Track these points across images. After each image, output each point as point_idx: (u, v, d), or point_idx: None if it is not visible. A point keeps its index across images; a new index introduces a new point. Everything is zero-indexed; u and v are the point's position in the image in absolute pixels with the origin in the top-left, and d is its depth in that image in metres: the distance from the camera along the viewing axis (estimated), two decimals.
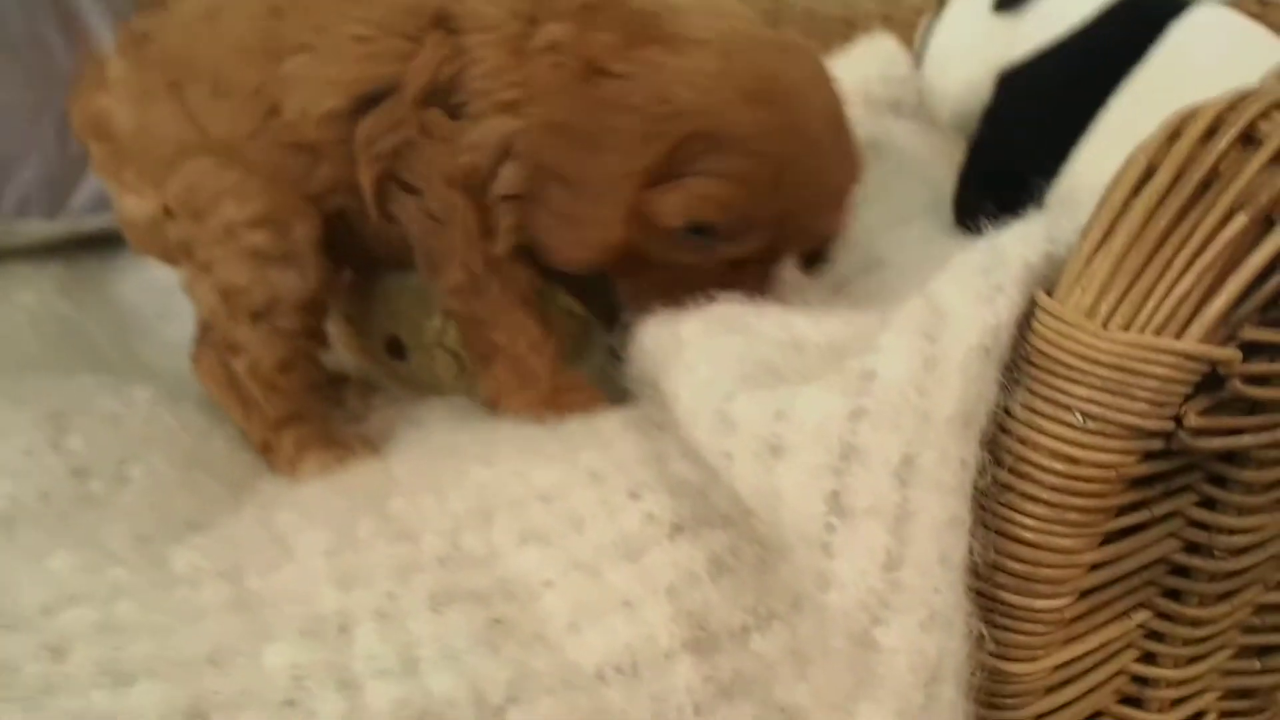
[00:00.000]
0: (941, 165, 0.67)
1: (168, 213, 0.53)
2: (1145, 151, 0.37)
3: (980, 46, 0.61)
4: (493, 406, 0.53)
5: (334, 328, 0.66)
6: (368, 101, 0.51)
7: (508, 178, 0.50)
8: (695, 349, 0.41)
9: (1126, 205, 0.36)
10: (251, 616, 0.38)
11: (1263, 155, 0.34)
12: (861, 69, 0.78)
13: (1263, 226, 0.34)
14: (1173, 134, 0.37)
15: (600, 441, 0.46)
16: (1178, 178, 0.35)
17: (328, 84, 0.51)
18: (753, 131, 0.47)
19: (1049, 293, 0.37)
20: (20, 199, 0.76)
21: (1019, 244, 0.39)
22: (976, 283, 0.37)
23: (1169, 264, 0.34)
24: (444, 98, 0.50)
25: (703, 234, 0.48)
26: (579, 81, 0.48)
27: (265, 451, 0.55)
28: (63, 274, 0.78)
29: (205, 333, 0.56)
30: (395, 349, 0.63)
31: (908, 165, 0.68)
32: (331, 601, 0.39)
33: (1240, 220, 0.34)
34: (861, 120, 0.71)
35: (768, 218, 0.48)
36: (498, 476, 0.45)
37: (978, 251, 0.39)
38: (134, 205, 0.55)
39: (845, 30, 0.92)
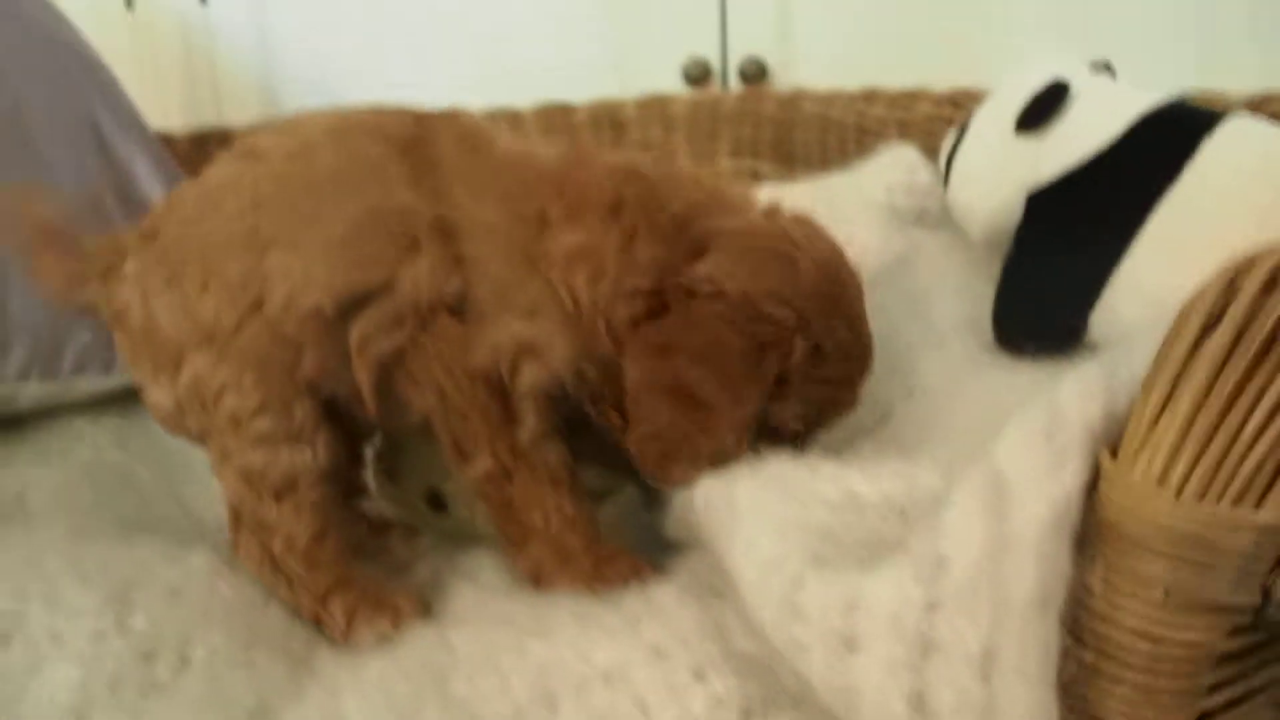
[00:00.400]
0: (976, 279, 0.67)
1: (180, 406, 0.55)
2: (1202, 302, 0.36)
3: (1006, 166, 0.61)
4: (534, 584, 0.53)
5: (373, 479, 0.66)
6: (355, 304, 0.52)
7: (531, 376, 0.51)
8: (754, 520, 0.41)
9: (1188, 363, 0.35)
10: None
11: None
12: (884, 178, 0.79)
13: None
14: (1230, 285, 0.36)
15: (659, 612, 0.45)
16: (1240, 335, 0.35)
17: (310, 283, 0.52)
18: (841, 338, 0.52)
19: (1114, 452, 0.37)
20: (78, 357, 0.77)
21: (1078, 401, 0.38)
22: (1040, 450, 0.36)
23: (1240, 429, 0.33)
24: (450, 302, 0.52)
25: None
26: (677, 303, 0.51)
27: (317, 622, 0.55)
28: (118, 425, 0.79)
29: (237, 517, 0.57)
30: (436, 502, 0.63)
31: (941, 281, 0.68)
32: None
33: None
34: (889, 235, 0.72)
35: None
36: (558, 654, 0.44)
37: (1036, 412, 0.38)
38: (155, 396, 0.56)
39: (859, 136, 0.93)
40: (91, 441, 0.77)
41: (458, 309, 0.52)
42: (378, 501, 0.67)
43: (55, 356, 0.76)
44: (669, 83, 1.18)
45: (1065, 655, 0.35)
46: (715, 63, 1.18)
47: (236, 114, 1.25)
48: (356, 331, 0.52)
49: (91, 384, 0.79)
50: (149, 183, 0.84)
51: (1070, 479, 0.36)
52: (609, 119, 1.12)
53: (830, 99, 0.97)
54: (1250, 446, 0.33)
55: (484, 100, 1.13)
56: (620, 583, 0.51)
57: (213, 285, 0.53)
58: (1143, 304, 0.54)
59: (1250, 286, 0.35)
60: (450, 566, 0.62)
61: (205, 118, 1.24)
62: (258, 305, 0.52)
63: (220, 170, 0.56)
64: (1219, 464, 0.33)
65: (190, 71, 1.32)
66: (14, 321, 0.74)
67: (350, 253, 0.52)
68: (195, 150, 1.04)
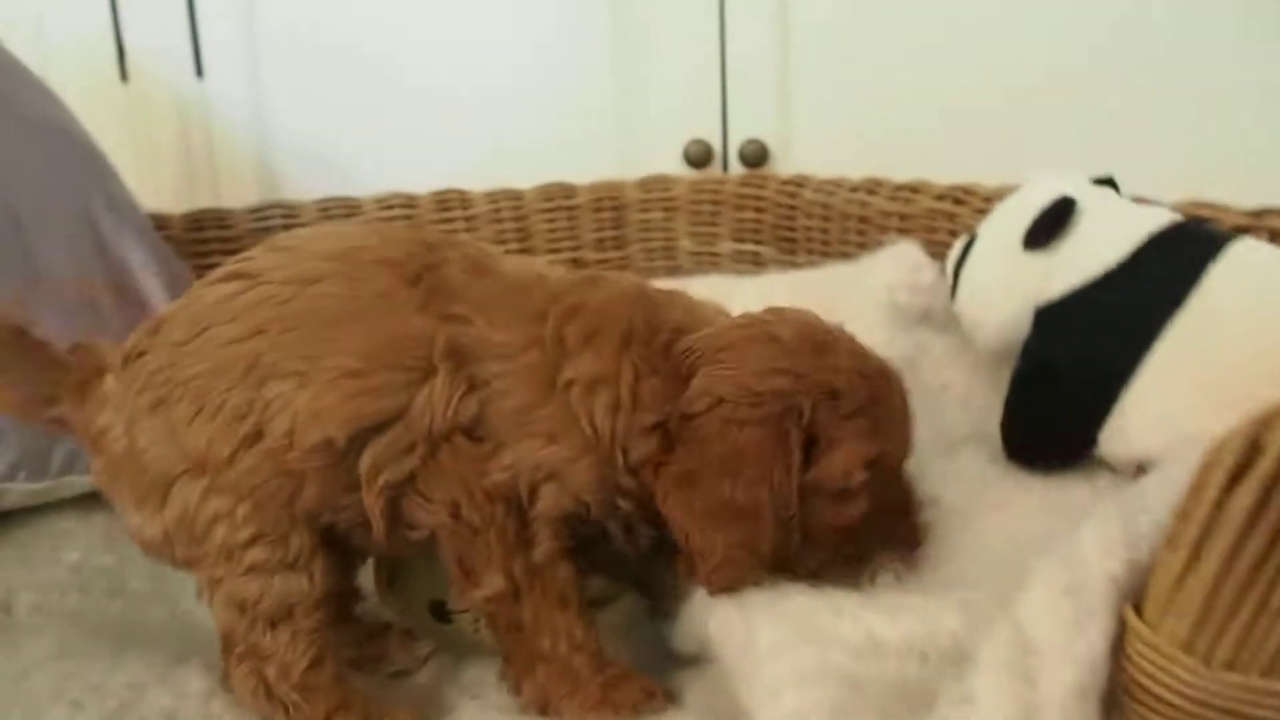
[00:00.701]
0: (982, 388, 0.67)
1: (167, 536, 0.53)
2: (1225, 456, 0.36)
3: (1014, 281, 0.62)
4: (541, 713, 0.52)
5: (375, 587, 0.65)
6: (368, 433, 0.51)
7: (550, 499, 0.51)
8: (774, 665, 0.40)
9: (1211, 524, 0.35)
10: None
11: None
12: (886, 275, 0.79)
13: None
14: (1254, 442, 0.36)
15: None
16: (1265, 498, 0.34)
17: (317, 415, 0.50)
18: (848, 366, 0.52)
19: (1138, 609, 0.36)
20: (67, 457, 0.76)
21: (1100, 555, 0.38)
22: (1064, 608, 0.36)
23: (1268, 597, 0.33)
24: (465, 424, 0.51)
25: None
26: (683, 429, 0.51)
27: None
28: (107, 524, 0.78)
29: (229, 645, 0.54)
30: (439, 613, 0.62)
31: (949, 388, 0.68)
32: None
33: None
34: (894, 335, 0.72)
35: (888, 450, 0.52)
36: None
37: (1057, 565, 0.38)
38: (136, 523, 0.54)
39: (860, 227, 0.94)
40: (80, 543, 0.75)
41: (472, 430, 0.51)
42: (376, 605, 0.66)
43: (43, 456, 0.75)
44: (670, 164, 1.19)
45: None
46: (716, 144, 1.19)
47: (233, 195, 1.25)
48: (368, 460, 0.51)
49: (80, 483, 0.78)
50: (144, 276, 0.84)
51: (1096, 638, 0.35)
52: (610, 200, 1.12)
53: (832, 187, 0.98)
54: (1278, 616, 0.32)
55: (485, 181, 1.14)
56: (630, 710, 0.50)
57: (205, 414, 0.51)
58: (1151, 427, 0.54)
59: (1275, 444, 0.35)
60: (452, 680, 0.60)
61: (201, 199, 1.23)
62: (256, 437, 0.51)
63: (212, 291, 0.55)
64: (1247, 632, 0.33)
65: (186, 148, 1.32)
66: (2, 421, 0.73)
67: (362, 382, 0.51)
68: (191, 232, 1.04)
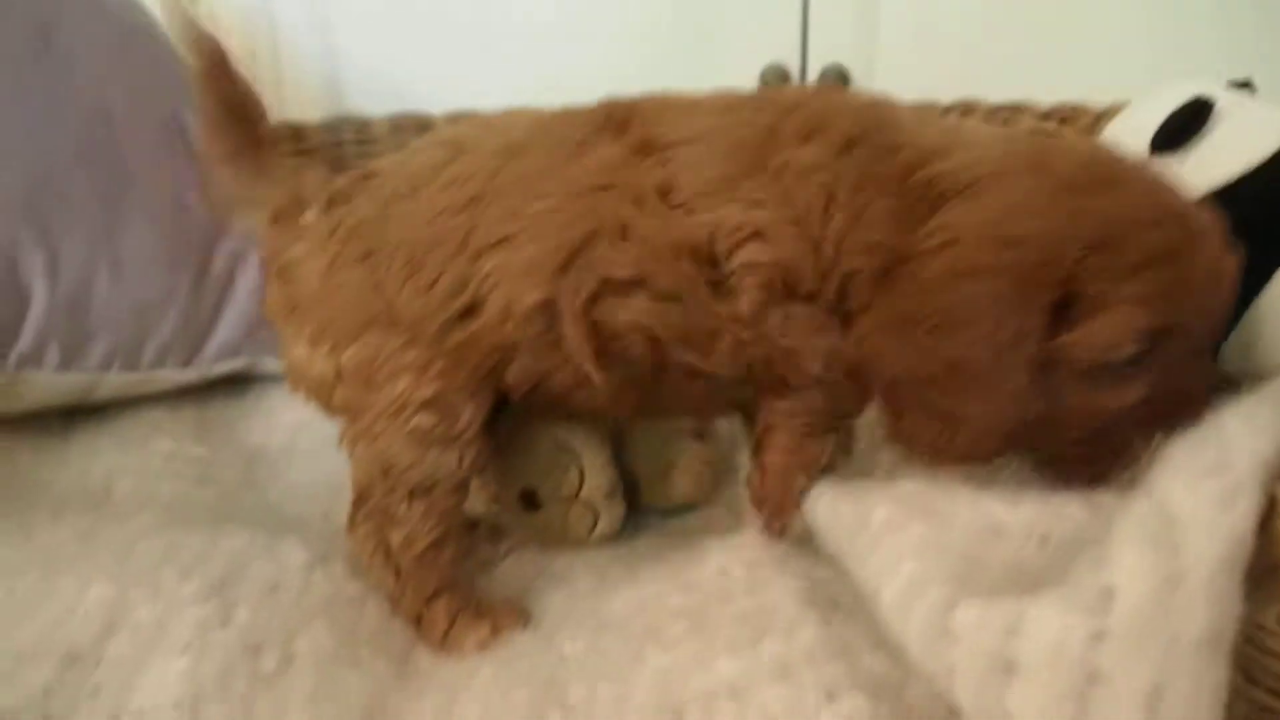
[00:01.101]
0: None
1: (339, 376, 0.53)
2: None
3: None
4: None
5: None
6: (569, 261, 0.49)
7: (752, 253, 0.47)
8: (892, 539, 0.40)
9: None
10: None
11: None
12: None
13: None
14: None
15: (781, 626, 0.44)
16: None
17: (528, 274, 0.50)
18: (1143, 218, 0.42)
19: None
20: (159, 350, 0.77)
21: (1248, 437, 0.37)
22: (1210, 485, 0.35)
23: None
24: (659, 189, 0.48)
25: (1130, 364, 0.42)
26: (883, 280, 0.44)
27: (416, 624, 0.54)
28: (196, 418, 0.80)
29: (362, 501, 0.56)
30: (530, 500, 0.63)
31: None
32: None
33: None
34: None
35: (1182, 323, 0.42)
36: (678, 664, 0.44)
37: (1201, 448, 0.37)
38: (304, 357, 0.54)
39: None
40: (171, 433, 0.77)
41: (666, 194, 0.48)
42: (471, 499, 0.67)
43: (136, 349, 0.76)
44: (747, 88, 1.17)
45: (1236, 694, 0.33)
46: (794, 69, 1.17)
47: (300, 112, 1.25)
48: (570, 283, 0.49)
49: (171, 376, 0.79)
50: None
51: (1242, 516, 0.35)
52: None
53: (923, 110, 0.96)
54: None
55: (553, 100, 1.13)
56: None
57: (420, 282, 0.51)
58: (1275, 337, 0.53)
59: None
60: (538, 570, 0.61)
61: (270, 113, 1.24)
62: (473, 311, 0.51)
63: (421, 156, 0.55)
64: None
65: (253, 66, 1.32)
66: (97, 314, 0.74)
67: (558, 219, 0.49)
68: None
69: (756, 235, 0.47)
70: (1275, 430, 0.37)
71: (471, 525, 0.65)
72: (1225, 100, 0.58)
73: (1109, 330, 0.41)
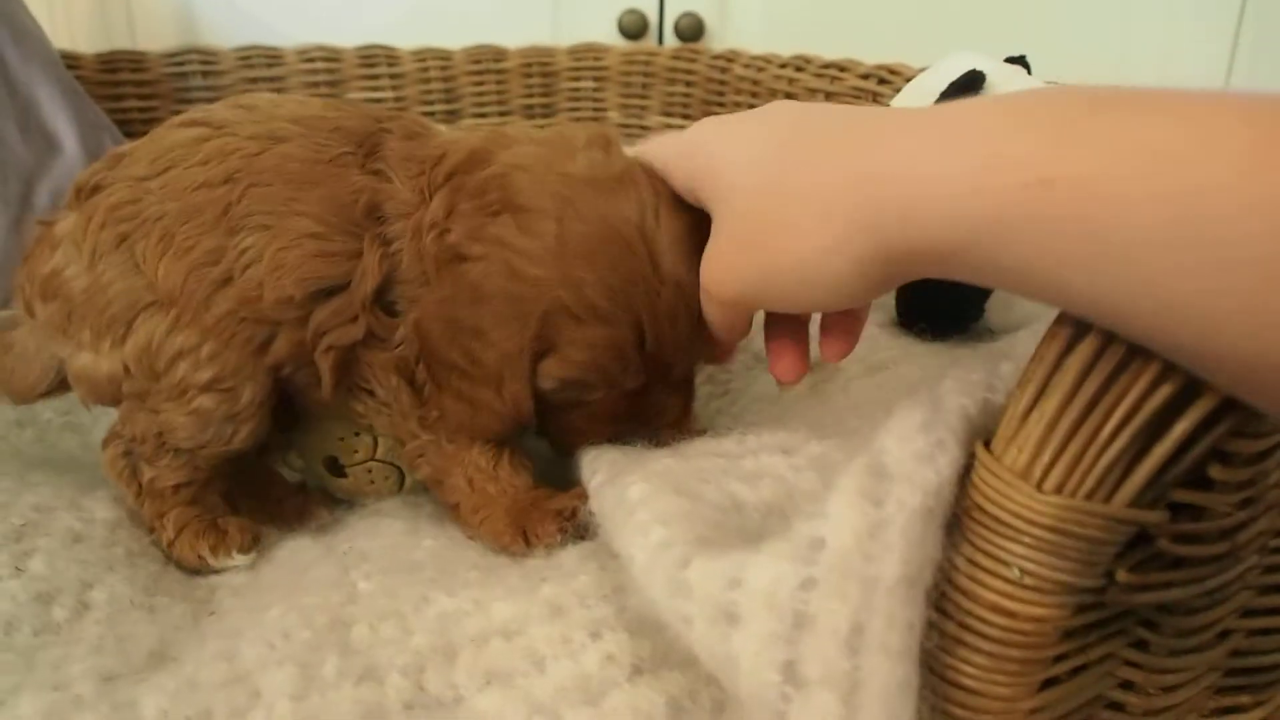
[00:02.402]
0: None
1: (125, 370, 0.54)
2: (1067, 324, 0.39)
3: None
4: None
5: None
6: (322, 295, 0.53)
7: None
8: (645, 510, 0.43)
9: (1058, 366, 0.38)
10: None
11: None
12: None
13: (1186, 396, 0.36)
14: None
15: (561, 573, 0.47)
16: (1104, 346, 0.37)
17: (284, 271, 0.52)
18: (600, 294, 0.49)
19: (988, 443, 0.39)
20: None
21: (957, 395, 0.41)
22: (918, 440, 0.39)
23: (1098, 430, 0.36)
24: (383, 298, 0.54)
25: (582, 387, 0.52)
26: (449, 269, 0.51)
27: (152, 531, 0.57)
28: None
29: (117, 436, 0.57)
30: (334, 468, 0.64)
31: None
32: None
33: (1165, 390, 0.36)
34: None
35: (639, 367, 0.52)
36: (459, 607, 0.46)
37: (918, 404, 0.41)
38: (90, 362, 0.55)
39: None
40: None
41: (390, 306, 0.54)
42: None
43: None
44: (604, 33, 1.17)
45: (930, 627, 0.37)
46: (652, 17, 1.18)
47: (149, 39, 1.20)
48: (316, 322, 0.53)
49: None
50: (52, 111, 0.81)
51: (944, 467, 0.38)
52: (540, 66, 1.11)
53: (762, 63, 0.98)
54: (1105, 447, 0.36)
55: (414, 40, 1.11)
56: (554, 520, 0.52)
57: (175, 253, 0.52)
58: None
59: None
60: (359, 513, 0.62)
61: (116, 40, 1.19)
62: (229, 281, 0.52)
63: (175, 134, 0.55)
64: (1076, 461, 0.36)
65: None
66: None
67: (319, 247, 0.52)
68: (103, 73, 1.00)
69: None
70: (983, 389, 0.41)
71: (301, 485, 0.66)
72: (997, 74, 0.61)
73: (546, 371, 0.51)
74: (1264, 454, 0.36)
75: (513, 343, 0.50)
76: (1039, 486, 0.36)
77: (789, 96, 0.93)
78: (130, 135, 0.99)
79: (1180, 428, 0.36)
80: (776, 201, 0.42)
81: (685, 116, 1.06)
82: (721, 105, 1.02)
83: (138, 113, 0.98)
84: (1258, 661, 0.45)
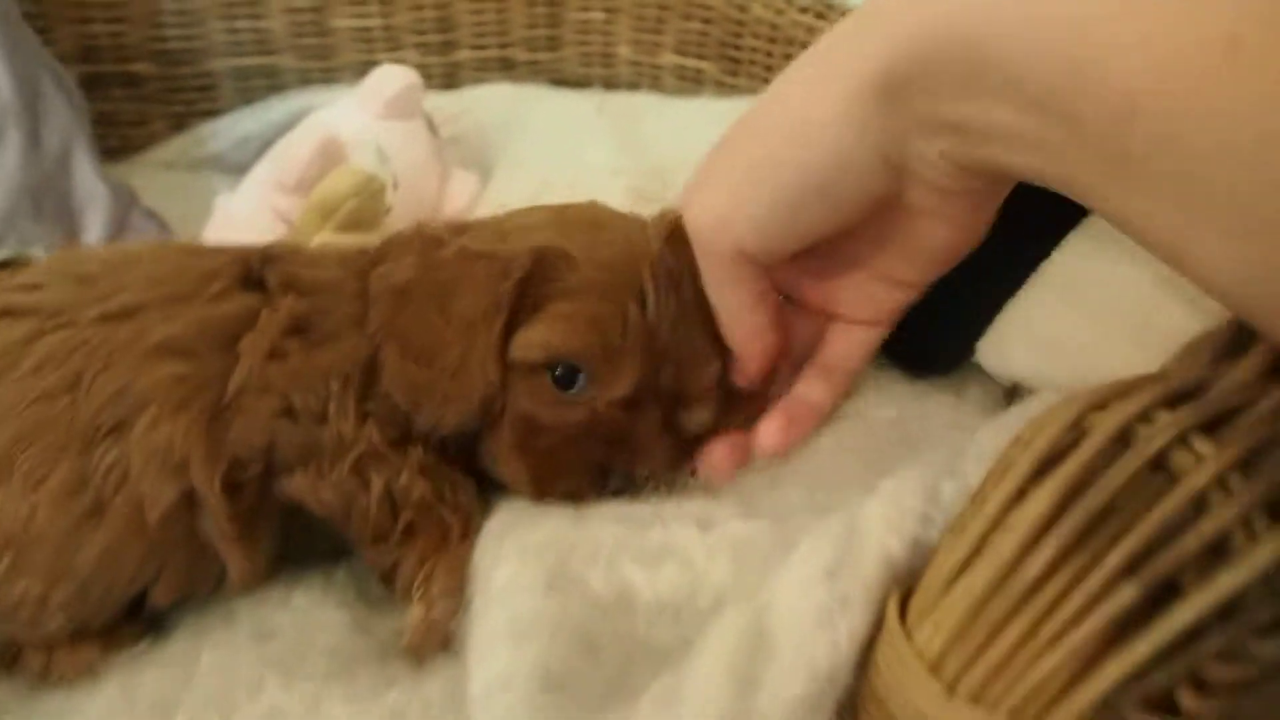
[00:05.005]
0: None
1: None
2: (1037, 437, 0.30)
3: None
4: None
5: None
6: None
7: None
8: (500, 611, 0.35)
9: (1001, 520, 0.29)
10: None
11: (1179, 495, 0.27)
12: None
13: (1161, 595, 0.27)
14: (1074, 423, 0.29)
15: (415, 675, 0.40)
16: (1073, 497, 0.28)
17: (168, 457, 0.42)
18: (598, 252, 0.44)
19: (905, 604, 0.31)
20: None
21: (880, 529, 0.32)
22: (818, 592, 0.30)
23: (1037, 626, 0.27)
24: None
25: (571, 378, 0.43)
26: (421, 252, 0.45)
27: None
28: None
29: None
30: None
31: None
32: None
33: (1132, 587, 0.26)
34: None
35: (635, 354, 0.43)
36: (290, 705, 0.40)
37: (829, 537, 0.32)
38: None
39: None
40: None
41: None
42: None
43: None
44: None
45: None
46: None
47: None
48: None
49: None
50: None
51: (845, 639, 0.30)
52: None
53: (783, 5, 0.86)
54: (1044, 651, 0.27)
55: None
56: None
57: (26, 484, 0.41)
58: (1032, 344, 0.47)
59: (1097, 434, 0.29)
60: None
61: None
62: (96, 511, 0.42)
63: None
64: (1004, 664, 0.27)
65: None
66: None
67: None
68: None
69: None
70: (916, 523, 0.32)
71: None
72: None
73: (531, 335, 0.43)
74: (1248, 685, 0.27)
75: (482, 303, 0.43)
76: (951, 688, 0.28)
77: (806, 46, 0.81)
78: (97, 67, 0.91)
79: (1149, 640, 0.26)
80: (754, 115, 0.42)
81: (700, 57, 0.95)
82: (738, 48, 0.90)
83: (106, 38, 0.90)
84: None
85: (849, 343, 0.46)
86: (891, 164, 0.38)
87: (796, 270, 0.46)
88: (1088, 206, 0.33)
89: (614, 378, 0.43)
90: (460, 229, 0.47)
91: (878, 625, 0.31)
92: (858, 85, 0.36)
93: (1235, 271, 0.28)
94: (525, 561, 0.37)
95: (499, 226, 0.47)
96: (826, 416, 0.46)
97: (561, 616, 0.34)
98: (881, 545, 0.32)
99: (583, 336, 0.42)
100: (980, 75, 0.32)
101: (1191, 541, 0.26)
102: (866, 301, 0.45)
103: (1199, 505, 0.27)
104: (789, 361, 0.47)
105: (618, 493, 0.44)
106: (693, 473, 0.45)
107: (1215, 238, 0.28)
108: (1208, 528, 0.26)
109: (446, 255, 0.44)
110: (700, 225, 0.44)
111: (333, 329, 0.45)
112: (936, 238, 0.42)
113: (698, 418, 0.45)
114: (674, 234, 0.44)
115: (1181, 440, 0.27)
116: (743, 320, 0.43)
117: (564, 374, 0.43)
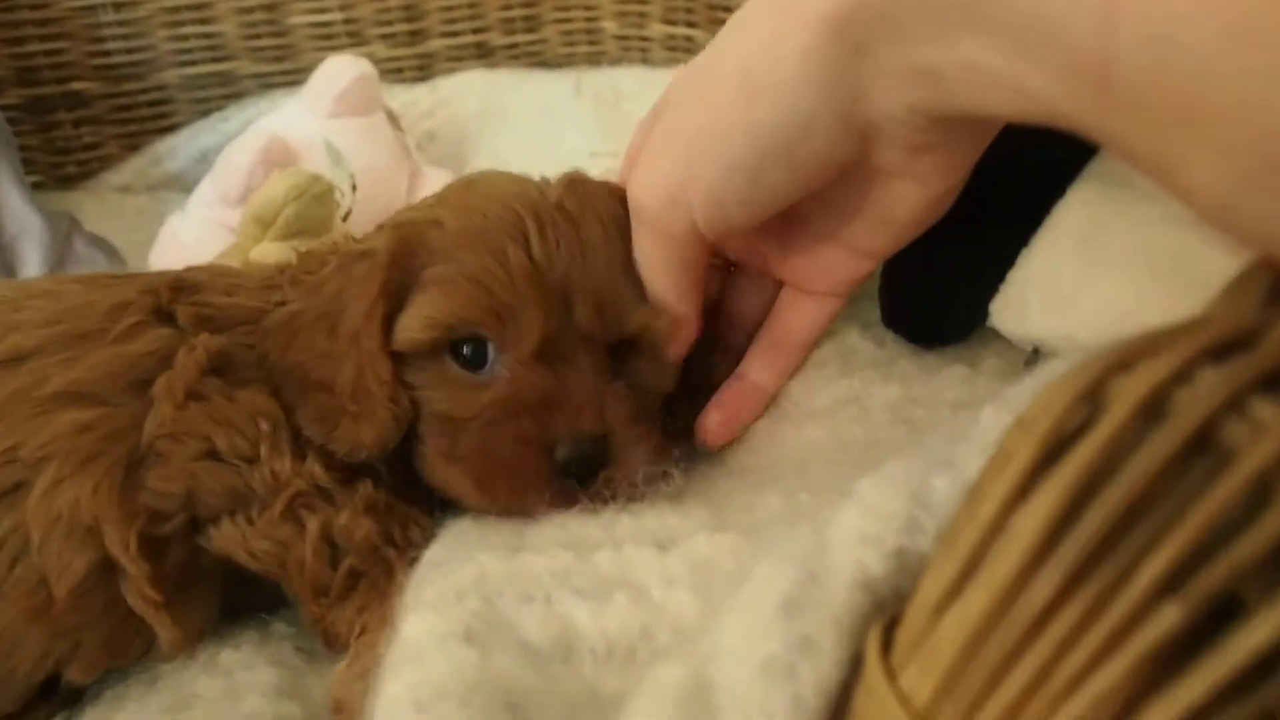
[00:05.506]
0: None
1: None
2: (1045, 418, 0.23)
3: None
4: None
5: None
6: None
7: None
8: (408, 678, 0.29)
9: (1002, 525, 0.22)
10: None
11: (1234, 480, 0.20)
12: None
13: (1210, 622, 0.20)
14: (1090, 394, 0.23)
15: None
16: (1086, 490, 0.21)
17: (76, 520, 0.37)
18: (468, 208, 0.40)
19: (888, 637, 0.24)
20: None
21: (856, 540, 0.26)
22: (772, 637, 0.24)
23: (1051, 666, 0.21)
24: None
25: (480, 353, 0.39)
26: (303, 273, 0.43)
27: None
28: None
29: None
30: None
31: None
32: None
33: (1175, 609, 0.20)
34: None
35: (533, 299, 0.39)
36: None
37: (789, 557, 0.26)
38: None
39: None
40: None
41: None
42: None
43: None
44: None
45: None
46: None
47: None
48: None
49: None
50: None
51: (809, 691, 0.23)
52: None
53: None
54: (1063, 697, 0.20)
55: None
56: None
57: None
58: (1050, 300, 0.40)
59: (1120, 405, 0.22)
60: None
61: None
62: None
63: None
64: (1013, 716, 0.21)
65: None
66: None
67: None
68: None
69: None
70: (896, 527, 0.25)
71: None
72: None
73: (410, 316, 0.39)
74: None
75: (359, 307, 0.39)
76: None
77: None
78: (38, 89, 0.87)
79: (1203, 676, 0.20)
80: (696, 72, 0.38)
81: (690, 25, 0.88)
82: (729, 11, 0.84)
83: (44, 57, 0.86)
84: None
85: (800, 315, 0.43)
86: (856, 124, 0.34)
87: (746, 236, 0.40)
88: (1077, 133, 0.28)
89: (517, 331, 0.38)
90: (379, 228, 0.44)
91: (857, 663, 0.24)
92: (815, 36, 0.33)
93: (1229, 187, 0.24)
94: (443, 608, 0.31)
95: (394, 218, 0.43)
96: (772, 398, 0.43)
97: (478, 677, 0.28)
98: (855, 564, 0.25)
99: (465, 296, 0.38)
100: (953, 5, 0.29)
101: (1253, 542, 0.19)
102: (822, 272, 0.41)
103: (1262, 492, 0.20)
104: (739, 331, 0.44)
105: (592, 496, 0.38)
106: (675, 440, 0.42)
107: (1205, 152, 0.24)
108: (1274, 522, 0.19)
109: (328, 272, 0.41)
110: (645, 203, 0.39)
111: (257, 366, 0.41)
112: (905, 201, 0.37)
113: (654, 368, 0.41)
114: (573, 181, 0.41)
115: (1234, 406, 0.20)
116: (668, 307, 0.40)
117: (472, 352, 0.39)
